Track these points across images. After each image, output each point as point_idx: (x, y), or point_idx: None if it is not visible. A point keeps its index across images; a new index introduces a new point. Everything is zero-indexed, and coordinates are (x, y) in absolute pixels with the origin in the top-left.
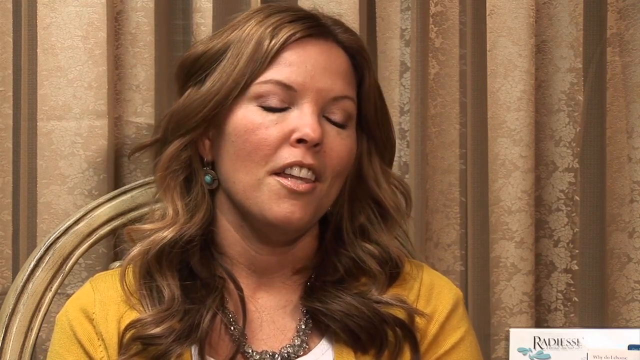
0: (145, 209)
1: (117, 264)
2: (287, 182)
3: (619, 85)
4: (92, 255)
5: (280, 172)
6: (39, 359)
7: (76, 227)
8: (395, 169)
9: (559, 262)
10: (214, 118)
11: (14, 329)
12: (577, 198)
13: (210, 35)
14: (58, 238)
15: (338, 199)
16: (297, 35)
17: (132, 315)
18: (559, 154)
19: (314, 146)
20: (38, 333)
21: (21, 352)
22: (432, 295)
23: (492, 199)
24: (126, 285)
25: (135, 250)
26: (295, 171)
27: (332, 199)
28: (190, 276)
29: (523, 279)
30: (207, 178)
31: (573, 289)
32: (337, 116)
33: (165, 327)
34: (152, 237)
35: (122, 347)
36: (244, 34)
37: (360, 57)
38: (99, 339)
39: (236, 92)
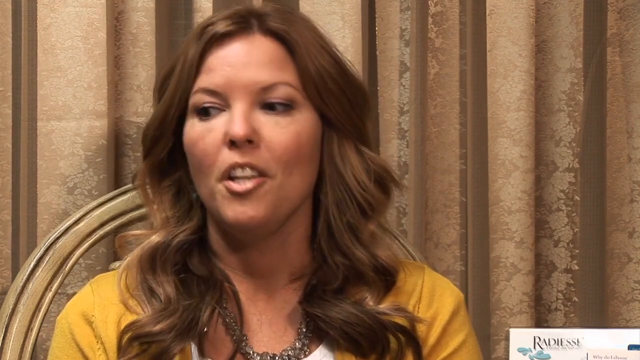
0: (144, 210)
1: (117, 263)
2: (232, 184)
3: (619, 85)
4: (92, 255)
5: (226, 177)
6: (39, 358)
7: (76, 227)
8: (395, 169)
9: (559, 262)
10: (167, 136)
11: (14, 329)
12: (577, 198)
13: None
14: (58, 238)
15: (322, 191)
16: (216, 36)
17: (130, 318)
18: (559, 154)
19: (248, 142)
20: (38, 333)
21: (21, 352)
22: (434, 298)
23: (492, 199)
24: (123, 291)
25: (130, 255)
26: (238, 172)
27: (298, 190)
28: (188, 277)
29: (523, 279)
30: (194, 195)
31: (573, 289)
32: (272, 102)
33: (163, 325)
34: (143, 242)
35: (120, 349)
36: (181, 47)
37: (288, 40)
38: (98, 343)
39: (173, 108)
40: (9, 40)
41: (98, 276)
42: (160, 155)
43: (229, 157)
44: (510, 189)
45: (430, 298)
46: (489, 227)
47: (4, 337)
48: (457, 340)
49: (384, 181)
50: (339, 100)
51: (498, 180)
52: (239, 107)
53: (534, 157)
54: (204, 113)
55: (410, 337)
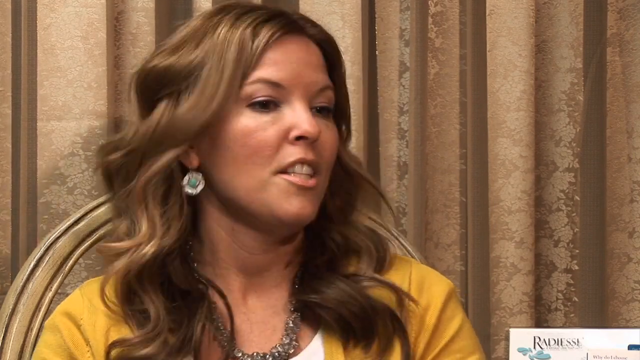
0: None
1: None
2: (295, 178)
3: (619, 85)
4: (92, 255)
5: (284, 171)
6: None
7: (76, 227)
8: (395, 169)
9: (559, 262)
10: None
11: (14, 329)
12: (577, 198)
13: (170, 44)
14: (58, 238)
15: None
16: (278, 34)
17: (120, 330)
18: (559, 154)
19: (313, 141)
20: (38, 333)
21: (21, 352)
22: (423, 288)
23: (492, 199)
24: (108, 302)
25: (114, 267)
26: (298, 168)
27: (326, 188)
28: (172, 289)
29: (523, 279)
30: (193, 181)
31: (573, 289)
32: (323, 106)
33: (155, 345)
34: (132, 255)
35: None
36: (220, 39)
37: (330, 48)
38: (87, 345)
39: (229, 99)
40: (9, 40)
41: (87, 281)
42: (184, 147)
43: (295, 152)
44: (510, 189)
45: (419, 290)
46: (489, 227)
47: (4, 337)
48: (454, 326)
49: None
50: (348, 102)
51: (498, 180)
52: (302, 106)
53: (534, 157)
54: (260, 105)
55: (398, 323)
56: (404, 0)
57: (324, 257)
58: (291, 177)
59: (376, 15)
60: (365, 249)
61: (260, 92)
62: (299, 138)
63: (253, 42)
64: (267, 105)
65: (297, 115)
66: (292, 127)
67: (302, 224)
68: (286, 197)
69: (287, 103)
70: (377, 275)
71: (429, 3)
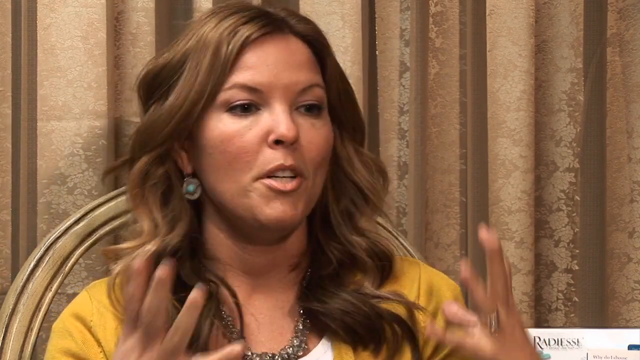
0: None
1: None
2: (274, 183)
3: (619, 85)
4: (92, 255)
5: (266, 176)
6: (39, 358)
7: (76, 227)
8: (395, 169)
9: (560, 262)
10: (184, 131)
11: (14, 329)
12: (578, 198)
13: (168, 47)
14: (58, 238)
15: (323, 186)
16: (254, 36)
17: None
18: (559, 154)
19: (291, 144)
20: (38, 333)
21: (21, 352)
22: (432, 292)
23: (492, 199)
24: (116, 302)
25: (119, 266)
26: (280, 172)
27: (319, 189)
28: (181, 287)
29: (523, 279)
30: (190, 187)
31: (573, 289)
32: (312, 104)
33: None
34: (135, 253)
35: None
36: (201, 41)
37: (318, 43)
38: (99, 346)
39: (201, 103)
40: (9, 40)
41: (93, 283)
42: (175, 150)
43: (274, 157)
44: (510, 189)
45: (429, 293)
46: (489, 227)
47: (4, 337)
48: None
49: (378, 173)
50: (352, 102)
51: (498, 180)
52: (281, 108)
53: (534, 157)
54: (240, 109)
55: (406, 327)
56: (404, 0)
57: (329, 269)
58: (270, 182)
59: (376, 15)
60: (368, 267)
61: (237, 97)
62: (277, 142)
63: (228, 46)
64: (248, 109)
65: (274, 119)
66: (270, 131)
67: (285, 227)
68: (267, 201)
69: (266, 106)
70: (381, 293)
71: (429, 3)
